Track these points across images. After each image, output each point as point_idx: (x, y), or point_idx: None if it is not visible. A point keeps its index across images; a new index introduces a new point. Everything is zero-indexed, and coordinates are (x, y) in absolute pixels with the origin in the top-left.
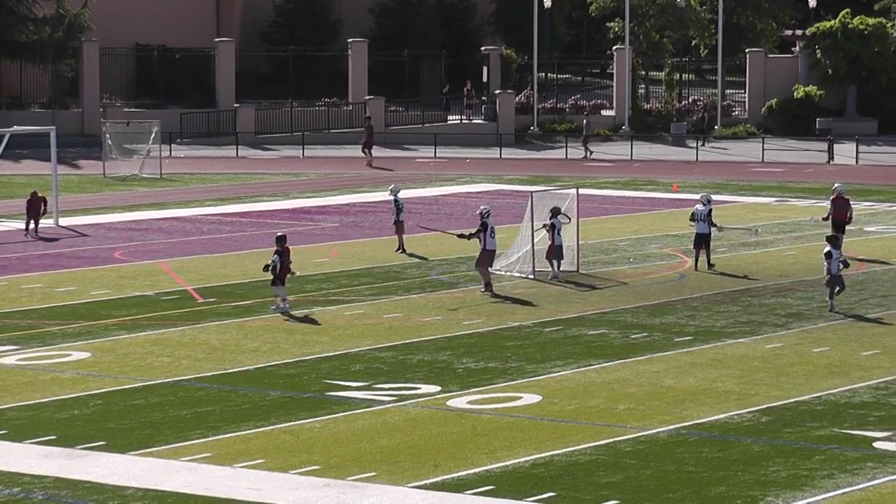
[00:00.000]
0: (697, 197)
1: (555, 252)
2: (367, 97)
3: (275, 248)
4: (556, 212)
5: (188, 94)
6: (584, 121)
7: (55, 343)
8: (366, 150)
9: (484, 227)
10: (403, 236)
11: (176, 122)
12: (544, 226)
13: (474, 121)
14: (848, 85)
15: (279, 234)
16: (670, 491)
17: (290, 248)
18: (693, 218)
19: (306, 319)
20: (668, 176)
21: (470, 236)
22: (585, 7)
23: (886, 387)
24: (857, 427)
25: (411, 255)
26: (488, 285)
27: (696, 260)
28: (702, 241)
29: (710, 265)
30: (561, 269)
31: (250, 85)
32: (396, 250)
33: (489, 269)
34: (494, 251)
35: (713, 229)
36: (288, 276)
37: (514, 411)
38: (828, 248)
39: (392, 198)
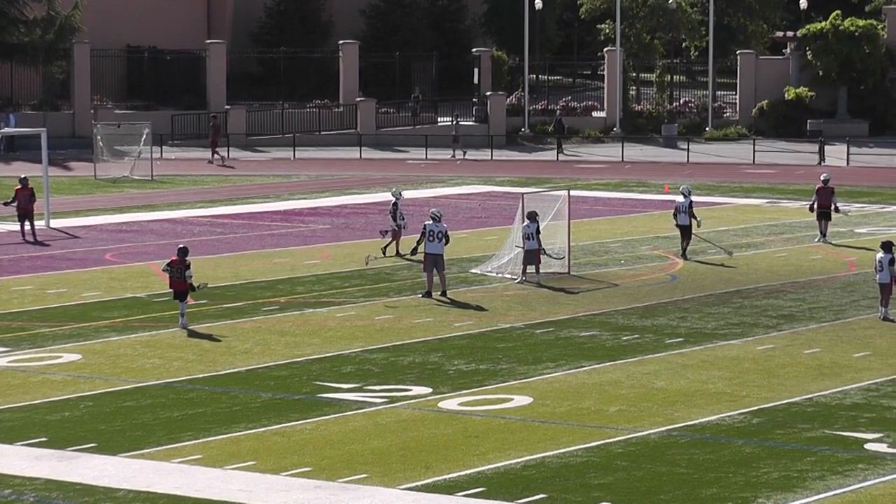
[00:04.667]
0: (693, 198)
1: (529, 256)
2: (358, 98)
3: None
4: (532, 216)
5: (179, 95)
6: (454, 121)
7: (46, 345)
8: (213, 149)
9: (424, 228)
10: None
11: (167, 124)
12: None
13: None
14: (839, 86)
15: (181, 245)
16: (661, 492)
17: (189, 261)
18: (676, 211)
19: (205, 335)
20: (659, 177)
21: (414, 251)
22: (576, 9)
23: (877, 388)
24: (849, 428)
25: (403, 256)
26: (427, 293)
27: (684, 250)
28: (683, 233)
29: (685, 256)
30: (539, 272)
31: (241, 86)
32: (384, 252)
33: (437, 271)
34: (437, 254)
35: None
36: (199, 287)
37: (505, 413)
38: (882, 254)
39: (394, 200)
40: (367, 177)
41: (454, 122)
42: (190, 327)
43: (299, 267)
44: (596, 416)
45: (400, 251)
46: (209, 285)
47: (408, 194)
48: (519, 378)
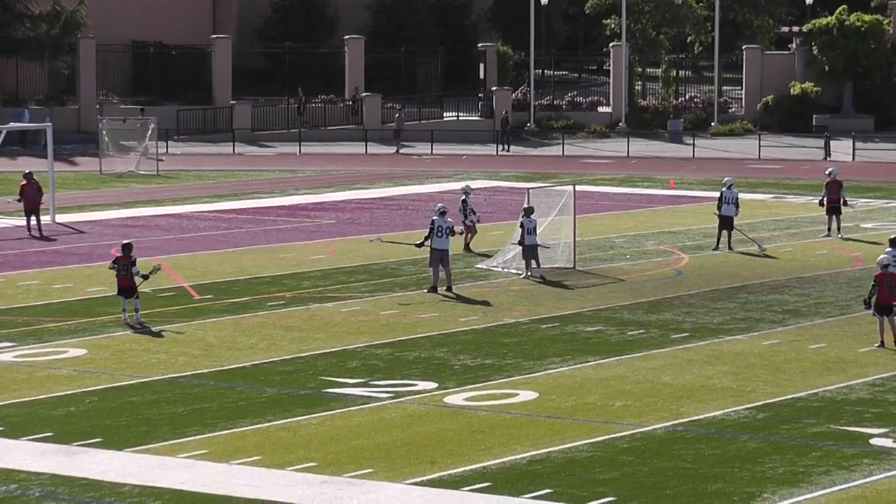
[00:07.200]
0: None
1: (529, 252)
2: (364, 94)
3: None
4: (528, 212)
5: (184, 90)
6: (396, 115)
7: (51, 340)
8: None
9: (431, 224)
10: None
11: (172, 119)
12: (515, 242)
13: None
14: (844, 81)
15: (125, 242)
16: (667, 488)
17: (134, 257)
18: (721, 202)
19: (152, 333)
20: (665, 173)
21: (419, 245)
22: (581, 4)
23: (883, 383)
24: (854, 423)
25: (473, 253)
26: (433, 288)
27: (718, 240)
28: (726, 224)
29: (729, 246)
30: (540, 266)
31: (247, 82)
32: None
33: (443, 266)
34: (443, 250)
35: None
36: (152, 272)
37: (510, 408)
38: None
39: (463, 196)
40: (373, 172)
41: (396, 116)
42: (145, 326)
43: (305, 262)
44: (601, 411)
45: (470, 247)
46: (160, 268)
47: (412, 189)
48: (524, 373)
